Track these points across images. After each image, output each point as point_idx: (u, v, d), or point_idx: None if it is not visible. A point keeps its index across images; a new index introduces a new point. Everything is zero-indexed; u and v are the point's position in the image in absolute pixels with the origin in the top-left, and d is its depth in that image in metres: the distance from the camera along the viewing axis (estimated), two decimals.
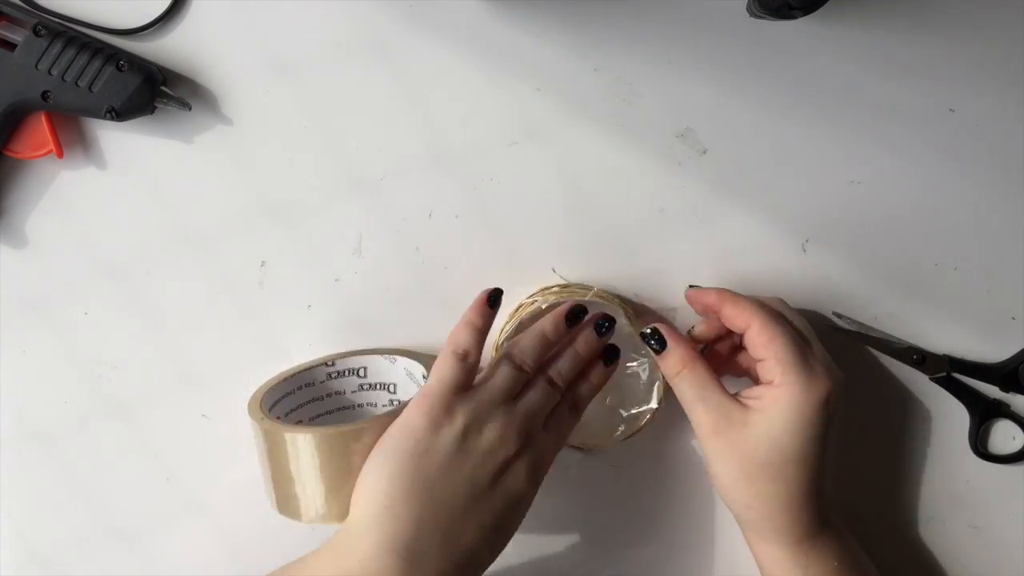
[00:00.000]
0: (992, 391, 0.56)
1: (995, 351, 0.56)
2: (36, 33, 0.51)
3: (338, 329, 0.56)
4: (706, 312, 0.52)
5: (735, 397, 0.49)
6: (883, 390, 0.56)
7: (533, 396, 0.49)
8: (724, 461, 0.49)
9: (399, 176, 0.55)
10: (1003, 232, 0.55)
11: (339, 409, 0.56)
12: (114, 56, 0.52)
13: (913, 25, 0.53)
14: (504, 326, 0.54)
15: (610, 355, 0.52)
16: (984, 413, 0.56)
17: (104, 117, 0.52)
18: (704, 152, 0.55)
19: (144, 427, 0.58)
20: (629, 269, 0.56)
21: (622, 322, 0.53)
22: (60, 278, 0.56)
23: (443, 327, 0.55)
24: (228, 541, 0.59)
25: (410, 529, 0.45)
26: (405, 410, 0.48)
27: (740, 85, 0.54)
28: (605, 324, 0.52)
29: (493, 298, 0.50)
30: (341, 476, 0.48)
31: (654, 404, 0.54)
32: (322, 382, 0.56)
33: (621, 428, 0.55)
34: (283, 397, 0.54)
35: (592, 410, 0.53)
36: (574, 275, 0.56)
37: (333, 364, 0.55)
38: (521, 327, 0.53)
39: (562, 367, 0.50)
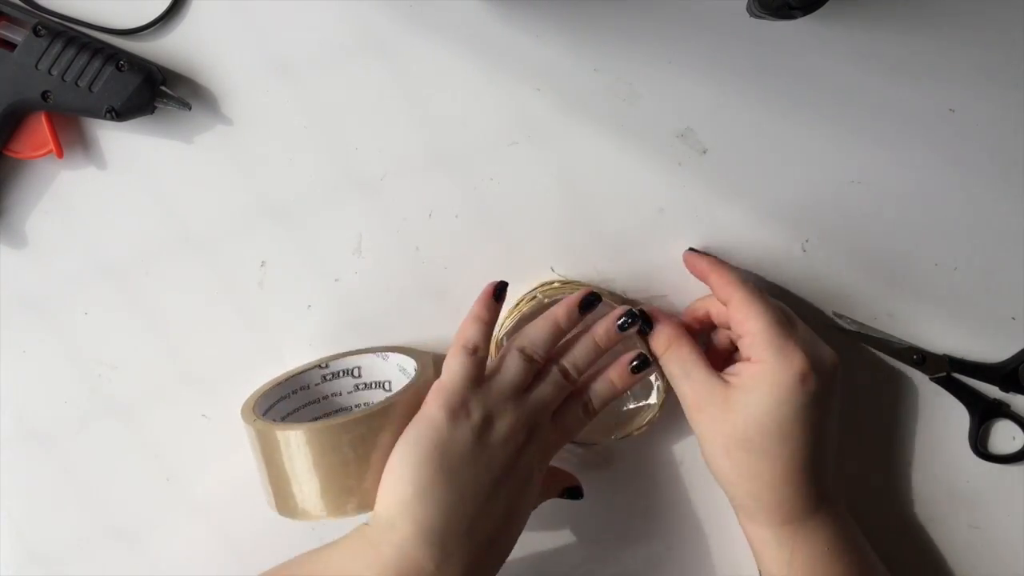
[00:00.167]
0: (992, 391, 0.56)
1: (995, 351, 0.56)
2: (36, 33, 0.51)
3: (338, 329, 0.56)
4: (699, 277, 0.53)
5: (719, 374, 0.50)
6: (883, 390, 0.56)
7: (544, 389, 0.49)
8: (709, 437, 0.50)
9: (399, 176, 0.55)
10: (1003, 232, 0.55)
11: (336, 411, 0.56)
12: (114, 56, 0.52)
13: (913, 25, 0.53)
14: (504, 321, 0.54)
15: (641, 364, 0.51)
16: (984, 413, 0.56)
17: (104, 117, 0.52)
18: (704, 152, 0.55)
19: (144, 427, 0.58)
20: (629, 269, 0.56)
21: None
22: (60, 278, 0.56)
23: (443, 327, 0.56)
24: (228, 541, 0.59)
25: (440, 517, 0.46)
26: (424, 404, 0.48)
27: (740, 85, 0.54)
28: (628, 320, 0.51)
29: (499, 291, 0.51)
30: (335, 471, 0.48)
31: (653, 400, 0.54)
32: (317, 385, 0.56)
33: (620, 424, 0.55)
34: (278, 401, 0.54)
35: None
36: (574, 275, 0.56)
37: (327, 366, 0.55)
38: (522, 322, 0.53)
39: (577, 357, 0.50)
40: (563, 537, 0.58)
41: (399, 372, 0.55)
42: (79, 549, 0.59)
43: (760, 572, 0.52)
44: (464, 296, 0.55)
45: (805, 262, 0.55)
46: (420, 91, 0.54)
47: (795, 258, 0.55)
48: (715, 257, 0.53)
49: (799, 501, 0.49)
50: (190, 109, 0.53)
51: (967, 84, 0.53)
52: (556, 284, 0.55)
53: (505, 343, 0.52)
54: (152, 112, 0.53)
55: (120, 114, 0.52)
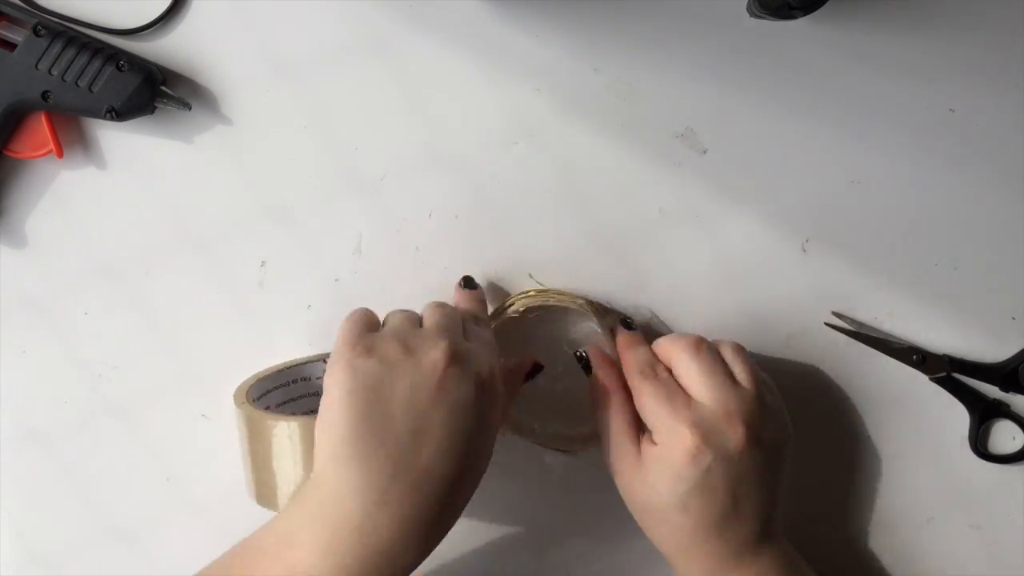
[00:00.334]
0: (992, 391, 0.56)
1: (995, 351, 0.56)
2: (36, 33, 0.51)
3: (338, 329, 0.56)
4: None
5: (636, 440, 0.49)
6: (883, 390, 0.56)
7: (433, 315, 0.49)
8: (624, 495, 0.50)
9: (399, 176, 0.55)
10: (1003, 232, 0.55)
11: None
12: (114, 56, 0.52)
13: (913, 25, 0.53)
14: None
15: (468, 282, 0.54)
16: (984, 413, 0.56)
17: (104, 117, 0.52)
18: (704, 152, 0.55)
19: (144, 427, 0.58)
20: (628, 269, 0.56)
21: (595, 327, 0.53)
22: (60, 278, 0.56)
23: None
24: (228, 541, 0.58)
25: (359, 466, 0.43)
26: (328, 362, 0.47)
27: (740, 85, 0.54)
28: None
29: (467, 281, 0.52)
30: None
31: None
32: (318, 378, 0.55)
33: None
34: (275, 388, 0.54)
35: (572, 411, 0.53)
36: (573, 274, 0.56)
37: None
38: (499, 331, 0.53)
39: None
40: (557, 531, 0.58)
41: None
42: (79, 549, 0.59)
43: None
44: None
45: (805, 262, 0.55)
46: (420, 91, 0.54)
47: (795, 258, 0.55)
48: (629, 340, 0.52)
49: (714, 562, 0.49)
50: (190, 109, 0.53)
51: (967, 84, 0.53)
52: (532, 293, 0.55)
53: None
54: (152, 112, 0.53)
55: (120, 114, 0.52)
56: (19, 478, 0.58)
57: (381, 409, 0.44)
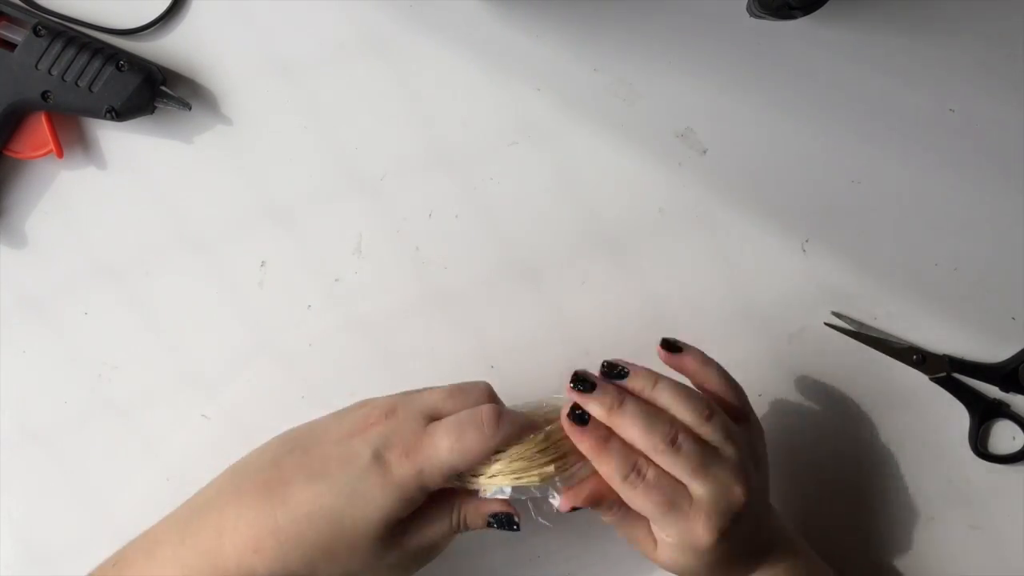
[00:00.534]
0: (992, 391, 0.56)
1: (995, 351, 0.56)
2: (36, 33, 0.51)
3: (338, 329, 0.56)
4: None
5: (649, 530, 0.48)
6: (883, 390, 0.56)
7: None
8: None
9: (399, 176, 0.55)
10: (1003, 232, 0.55)
11: None
12: (114, 56, 0.52)
13: (913, 25, 0.53)
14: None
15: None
16: (984, 413, 0.56)
17: (104, 117, 0.52)
18: (704, 152, 0.55)
19: (144, 427, 0.58)
20: (628, 269, 0.56)
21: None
22: (60, 278, 0.56)
23: (443, 328, 0.56)
24: None
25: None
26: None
27: (740, 85, 0.54)
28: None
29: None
30: None
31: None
32: None
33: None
34: None
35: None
36: (572, 275, 0.56)
37: None
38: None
39: None
40: (554, 531, 0.58)
41: None
42: (79, 549, 0.59)
43: None
44: (464, 296, 0.55)
45: (805, 262, 0.55)
46: (420, 91, 0.54)
47: (795, 258, 0.55)
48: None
49: (738, 564, 0.49)
50: (190, 109, 0.53)
51: (967, 84, 0.53)
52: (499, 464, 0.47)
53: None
54: (152, 112, 0.53)
55: (120, 114, 0.52)
56: (19, 478, 0.58)
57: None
